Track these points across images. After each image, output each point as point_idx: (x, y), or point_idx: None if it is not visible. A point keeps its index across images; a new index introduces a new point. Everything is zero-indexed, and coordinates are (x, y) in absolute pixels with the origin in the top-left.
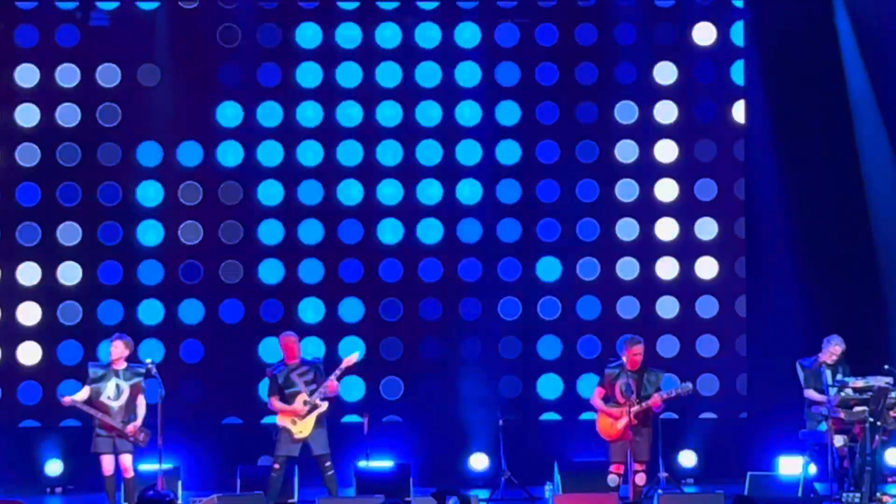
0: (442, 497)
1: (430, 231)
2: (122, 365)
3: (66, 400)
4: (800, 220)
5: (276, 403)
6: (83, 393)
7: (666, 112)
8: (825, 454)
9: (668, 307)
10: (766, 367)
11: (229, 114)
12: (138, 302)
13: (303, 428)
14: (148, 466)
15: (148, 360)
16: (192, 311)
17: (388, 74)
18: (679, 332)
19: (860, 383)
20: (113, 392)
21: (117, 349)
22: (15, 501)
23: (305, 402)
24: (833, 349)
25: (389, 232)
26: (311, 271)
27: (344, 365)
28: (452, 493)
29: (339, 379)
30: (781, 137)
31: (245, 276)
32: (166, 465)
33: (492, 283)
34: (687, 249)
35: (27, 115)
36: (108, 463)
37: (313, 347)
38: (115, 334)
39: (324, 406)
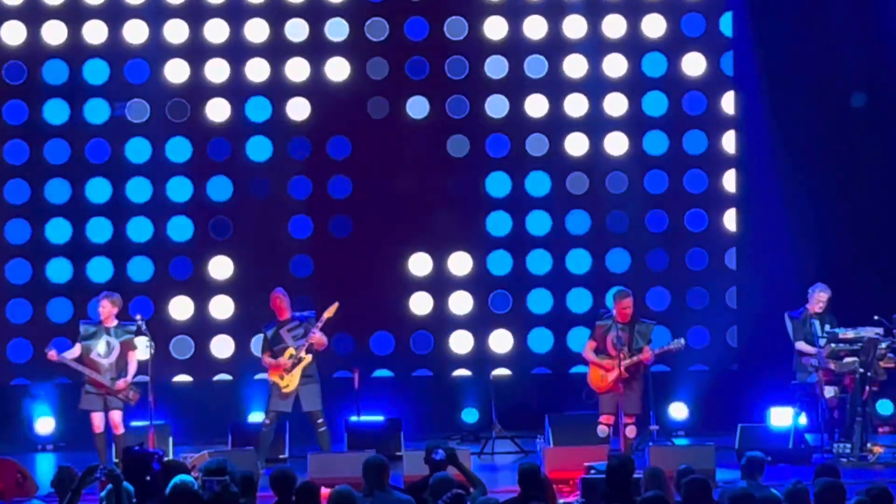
0: (429, 451)
1: (419, 183)
2: (113, 322)
3: (52, 354)
4: (790, 171)
5: (267, 359)
6: (75, 350)
7: (655, 66)
8: (816, 405)
9: (658, 260)
10: (756, 319)
11: (216, 69)
12: (128, 259)
13: (289, 381)
14: (139, 423)
15: (138, 317)
16: (181, 268)
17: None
18: (669, 285)
19: (850, 334)
20: (104, 349)
21: (105, 308)
22: (6, 459)
23: (290, 357)
24: (819, 296)
25: (377, 186)
26: (300, 227)
27: (325, 316)
28: (438, 447)
29: (321, 330)
30: (772, 89)
31: (234, 232)
32: (157, 422)
33: (481, 239)
34: (677, 202)
35: (14, 74)
36: (97, 420)
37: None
38: (103, 293)
39: (308, 358)
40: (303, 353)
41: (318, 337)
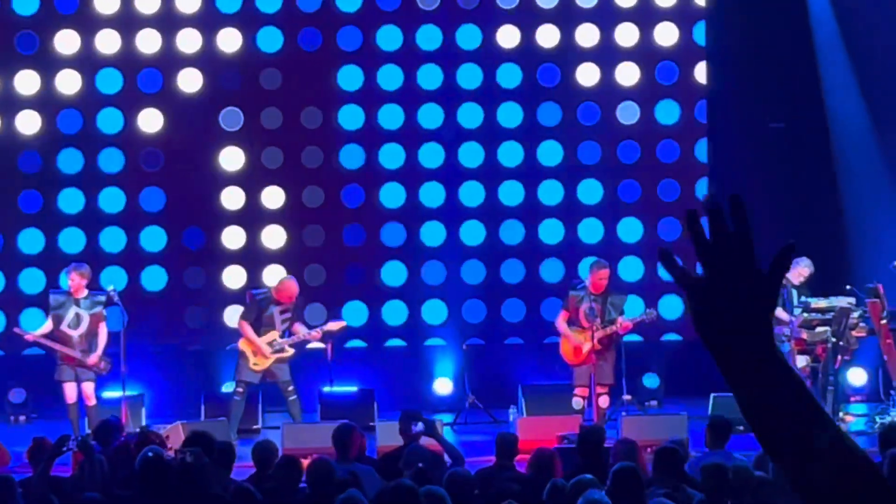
0: (408, 422)
1: (392, 156)
2: (83, 293)
3: (29, 336)
4: (761, 141)
5: (247, 329)
6: (47, 324)
7: (627, 35)
8: None
9: (631, 230)
10: None
11: (188, 39)
12: (100, 230)
13: (260, 362)
14: (112, 394)
15: (110, 287)
16: (153, 238)
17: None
18: (642, 255)
19: (822, 303)
20: (73, 320)
21: (74, 281)
22: None
23: (272, 343)
24: (801, 270)
25: (350, 158)
26: (272, 198)
27: (329, 327)
28: (418, 419)
29: (320, 337)
30: (743, 59)
31: (208, 202)
32: (130, 393)
33: (454, 209)
34: (649, 172)
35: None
36: (70, 391)
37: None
38: (71, 265)
39: (290, 352)
40: (287, 346)
41: (316, 335)
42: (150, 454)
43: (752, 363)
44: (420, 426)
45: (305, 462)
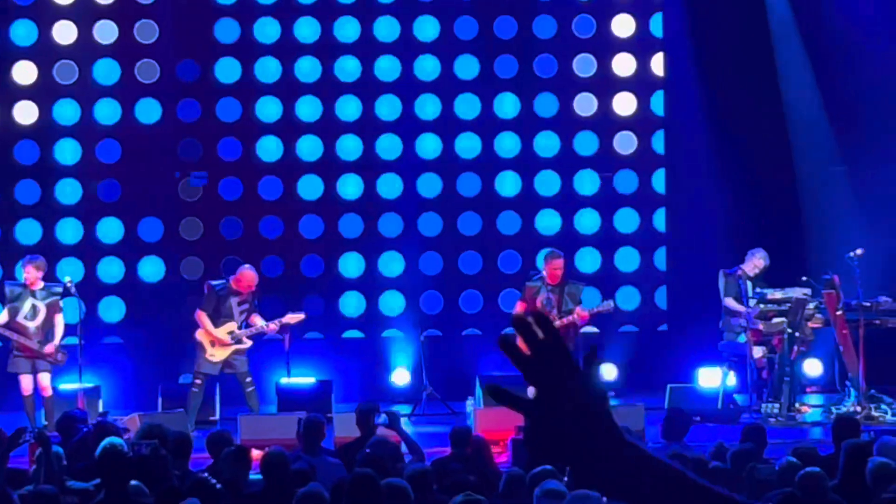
0: (370, 415)
1: (349, 148)
2: (39, 285)
3: None
4: (718, 133)
5: (205, 319)
6: (2, 315)
7: (584, 27)
8: (744, 366)
9: (587, 221)
10: (684, 279)
11: (145, 30)
12: (56, 221)
13: (216, 353)
14: (68, 385)
15: (67, 279)
16: (110, 230)
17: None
18: (599, 246)
19: (778, 295)
20: (29, 312)
21: (29, 274)
22: None
23: (231, 334)
24: (756, 262)
25: (307, 150)
26: (230, 189)
27: (286, 319)
28: (378, 411)
29: (278, 328)
30: (701, 52)
31: (165, 193)
32: (87, 384)
33: (412, 200)
34: (606, 163)
35: None
36: (26, 383)
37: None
38: (26, 258)
39: (248, 344)
40: (245, 337)
41: (274, 327)
42: (109, 445)
43: (608, 459)
44: (383, 418)
45: (258, 453)
